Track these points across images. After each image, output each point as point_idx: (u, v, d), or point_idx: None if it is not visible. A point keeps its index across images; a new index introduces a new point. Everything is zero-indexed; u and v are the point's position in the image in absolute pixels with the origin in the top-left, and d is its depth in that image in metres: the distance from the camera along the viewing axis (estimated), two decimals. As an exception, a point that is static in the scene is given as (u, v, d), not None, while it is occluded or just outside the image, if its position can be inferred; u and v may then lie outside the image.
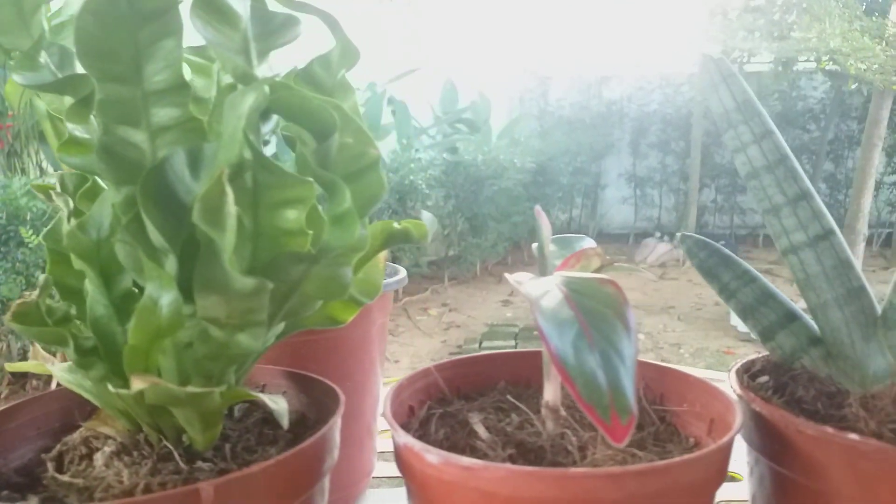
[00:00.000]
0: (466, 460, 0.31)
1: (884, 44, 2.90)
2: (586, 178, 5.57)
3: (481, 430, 0.39)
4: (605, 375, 0.29)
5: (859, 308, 0.39)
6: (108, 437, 0.37)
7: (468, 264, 4.17)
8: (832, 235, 0.40)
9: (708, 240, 0.45)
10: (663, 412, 0.42)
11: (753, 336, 0.45)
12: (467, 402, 0.44)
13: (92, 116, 0.34)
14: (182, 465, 0.34)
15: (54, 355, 0.59)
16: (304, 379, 0.44)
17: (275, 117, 0.36)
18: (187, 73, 0.39)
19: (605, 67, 5.54)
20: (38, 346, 0.52)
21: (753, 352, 0.46)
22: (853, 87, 3.33)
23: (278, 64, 0.41)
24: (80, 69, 0.32)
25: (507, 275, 0.34)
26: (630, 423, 0.28)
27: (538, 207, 0.40)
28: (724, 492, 0.61)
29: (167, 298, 0.32)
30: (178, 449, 0.35)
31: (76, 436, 0.38)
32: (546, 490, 0.30)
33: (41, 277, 0.36)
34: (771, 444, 0.37)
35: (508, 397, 0.43)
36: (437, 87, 4.19)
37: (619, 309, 0.32)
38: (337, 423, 0.38)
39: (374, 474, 0.63)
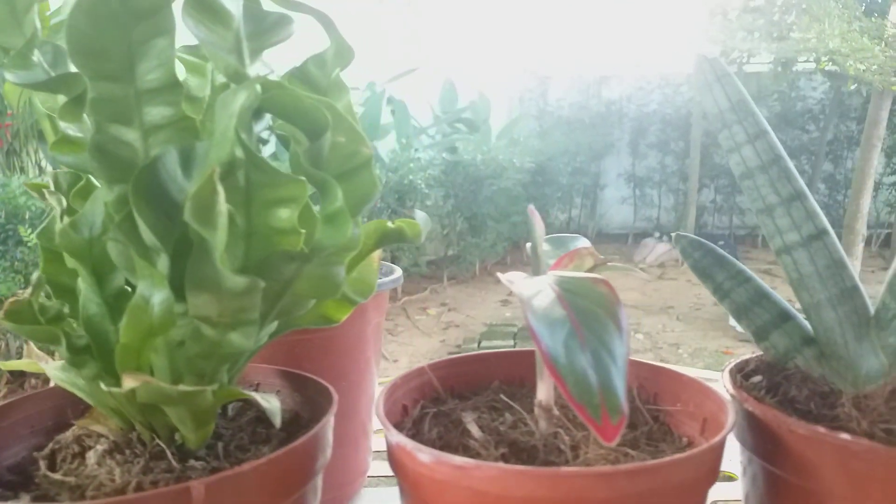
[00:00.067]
0: (458, 459, 0.31)
1: (883, 44, 2.90)
2: (585, 178, 5.57)
3: (474, 430, 0.39)
4: (595, 375, 0.29)
5: (852, 308, 0.39)
6: (100, 435, 0.37)
7: (467, 264, 4.17)
8: (825, 235, 0.40)
9: (702, 240, 0.45)
10: (657, 412, 0.42)
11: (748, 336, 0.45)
12: (461, 401, 0.44)
13: (85, 115, 0.34)
14: (174, 463, 0.34)
15: (52, 355, 0.59)
16: (297, 378, 0.44)
17: (268, 116, 0.36)
18: (181, 72, 0.39)
19: (605, 67, 5.55)
20: (32, 344, 0.52)
21: (752, 352, 0.46)
22: (852, 87, 3.33)
23: (277, 63, 0.41)
24: (73, 68, 0.32)
25: (499, 274, 0.34)
26: (621, 422, 0.28)
27: (531, 207, 0.40)
28: (720, 491, 0.61)
29: (159, 297, 0.32)
30: (170, 447, 0.35)
31: (69, 434, 0.38)
32: (537, 489, 0.30)
33: (34, 276, 0.36)
34: (763, 443, 0.37)
35: (502, 396, 0.43)
36: (436, 87, 4.19)
37: (611, 308, 0.32)
38: (330, 421, 0.38)
39: (369, 473, 0.63)
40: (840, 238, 3.25)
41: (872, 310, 0.39)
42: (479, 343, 3.02)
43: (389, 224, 0.41)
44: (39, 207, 1.82)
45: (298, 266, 0.33)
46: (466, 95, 4.23)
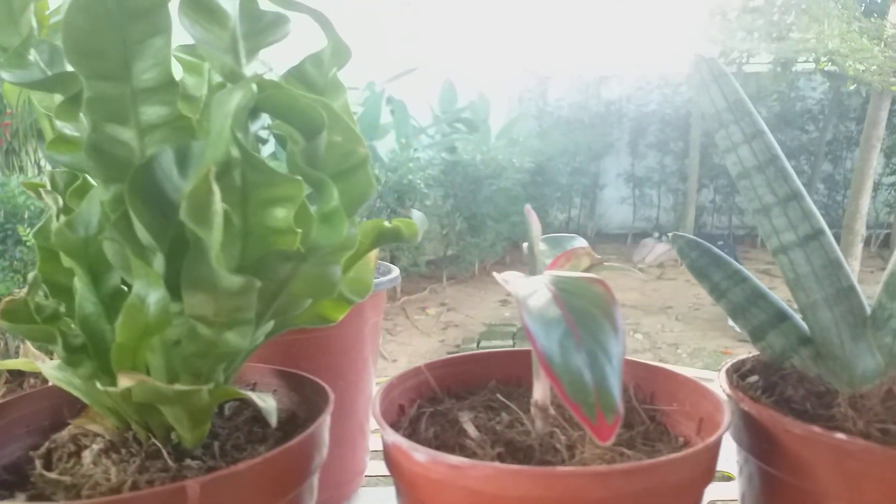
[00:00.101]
0: (453, 459, 0.31)
1: (882, 45, 2.91)
2: (585, 178, 5.58)
3: (471, 429, 0.39)
4: (591, 374, 0.29)
5: (848, 308, 0.39)
6: (96, 434, 0.37)
7: (467, 264, 4.17)
8: (822, 235, 0.40)
9: (699, 240, 0.45)
10: (653, 411, 0.42)
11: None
12: (458, 400, 0.44)
13: (81, 114, 0.34)
14: (170, 462, 0.34)
15: (49, 354, 0.59)
16: (294, 377, 0.44)
17: (267, 116, 0.36)
18: (179, 71, 0.39)
19: (604, 67, 5.55)
20: (29, 343, 0.52)
21: (749, 352, 0.46)
22: (852, 88, 3.33)
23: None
24: (69, 67, 0.32)
25: (495, 274, 0.34)
26: (616, 422, 0.28)
27: (528, 206, 0.40)
28: (718, 491, 0.61)
29: (154, 296, 0.32)
30: (166, 447, 0.35)
31: (65, 433, 0.38)
32: (532, 489, 0.30)
33: (30, 275, 0.36)
34: (759, 443, 0.37)
35: (498, 396, 0.43)
36: (435, 87, 4.19)
37: (607, 308, 0.32)
38: (326, 421, 0.38)
39: (366, 473, 0.63)
40: (839, 238, 3.26)
41: (869, 310, 0.39)
42: (479, 343, 3.02)
43: (386, 224, 0.41)
44: (38, 207, 1.82)
45: (294, 266, 0.33)
46: (466, 95, 4.23)
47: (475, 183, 3.87)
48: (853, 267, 3.22)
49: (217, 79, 0.41)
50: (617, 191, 5.82)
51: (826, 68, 3.37)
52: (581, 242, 0.44)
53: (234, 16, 0.32)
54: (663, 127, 5.55)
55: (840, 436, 0.33)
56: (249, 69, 0.33)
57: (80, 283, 0.36)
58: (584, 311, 0.32)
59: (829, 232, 0.40)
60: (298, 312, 0.38)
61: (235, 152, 0.31)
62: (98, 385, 0.33)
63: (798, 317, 0.42)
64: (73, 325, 0.37)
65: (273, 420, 0.35)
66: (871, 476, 0.32)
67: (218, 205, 0.28)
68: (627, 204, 5.85)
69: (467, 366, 0.47)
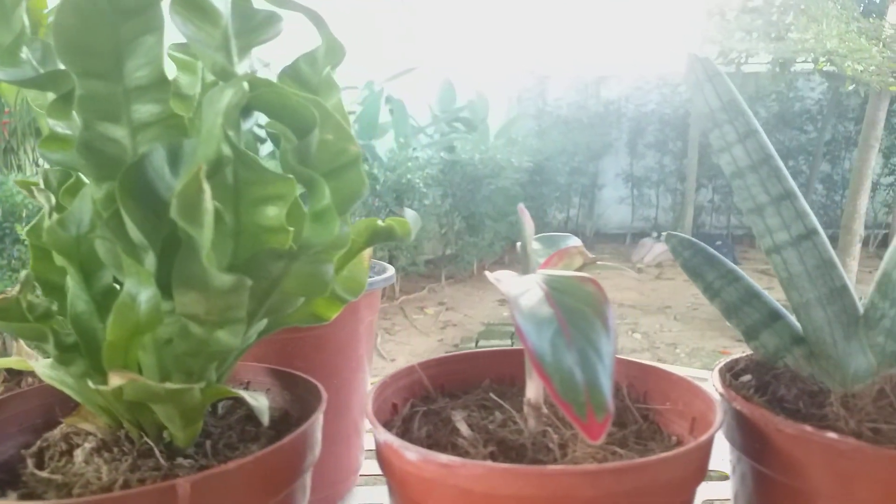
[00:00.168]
0: (444, 457, 0.31)
1: (881, 45, 2.91)
2: (583, 178, 5.58)
3: (463, 428, 0.39)
4: (582, 373, 0.29)
5: (841, 307, 0.39)
6: (88, 433, 0.37)
7: (465, 263, 4.17)
8: (815, 235, 0.40)
9: (692, 238, 0.45)
10: (646, 410, 0.42)
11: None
12: (451, 399, 0.44)
13: (74, 112, 0.34)
14: (162, 461, 0.34)
15: (45, 353, 0.59)
16: (288, 376, 0.44)
17: (256, 114, 0.36)
18: (173, 70, 0.39)
19: (603, 67, 5.55)
20: (22, 342, 0.52)
21: (742, 351, 0.46)
22: (850, 88, 3.33)
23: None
24: (62, 65, 0.32)
25: (487, 273, 0.34)
26: (606, 420, 0.28)
27: (521, 206, 0.40)
28: (714, 490, 0.61)
29: (145, 295, 0.32)
30: (158, 445, 0.35)
31: (57, 432, 0.38)
32: (523, 487, 0.30)
33: (22, 273, 0.36)
34: (752, 442, 0.37)
35: (491, 395, 0.43)
36: (434, 86, 4.19)
37: (598, 307, 0.32)
38: (318, 420, 0.38)
39: (361, 472, 0.63)
40: (837, 238, 3.26)
41: (861, 310, 0.39)
42: (477, 342, 3.02)
43: (380, 222, 0.41)
44: (36, 206, 1.82)
45: (286, 264, 0.33)
46: (465, 95, 4.23)
47: (474, 182, 3.87)
48: (851, 267, 3.22)
49: (211, 77, 0.41)
50: (615, 190, 5.82)
51: (825, 68, 3.36)
52: (574, 241, 0.44)
53: (225, 14, 0.32)
54: (662, 127, 5.55)
55: (831, 435, 0.33)
56: (242, 67, 0.33)
57: (72, 282, 0.36)
58: (576, 310, 0.32)
59: (822, 231, 0.40)
60: (291, 311, 0.38)
61: (227, 150, 0.31)
62: (90, 383, 0.33)
63: (791, 316, 0.42)
64: (65, 324, 0.37)
65: (265, 419, 0.35)
66: (863, 475, 0.32)
67: (209, 203, 0.28)
68: (626, 204, 5.85)
69: (461, 365, 0.47)
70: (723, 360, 0.44)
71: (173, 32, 0.33)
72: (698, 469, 0.34)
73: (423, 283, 4.04)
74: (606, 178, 5.81)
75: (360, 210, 3.25)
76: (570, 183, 5.42)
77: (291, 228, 0.34)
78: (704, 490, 0.60)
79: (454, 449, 0.37)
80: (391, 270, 0.61)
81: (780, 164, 0.41)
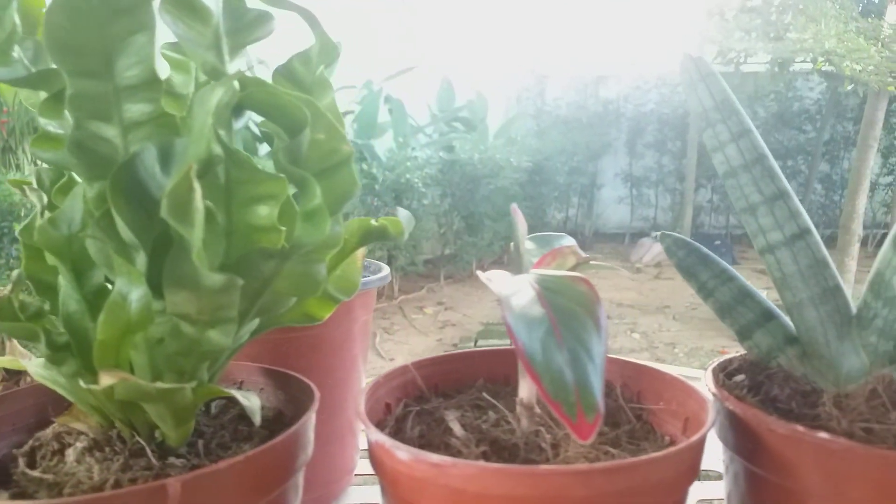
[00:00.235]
0: (436, 457, 0.31)
1: (879, 45, 2.91)
2: (583, 178, 5.58)
3: (456, 428, 0.39)
4: (572, 373, 0.29)
5: (834, 307, 0.39)
6: (80, 432, 0.37)
7: (464, 263, 4.17)
8: (808, 235, 0.40)
9: (687, 238, 0.45)
10: (640, 410, 0.42)
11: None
12: (445, 399, 0.44)
13: (66, 111, 0.34)
14: (154, 461, 0.34)
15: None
16: (281, 376, 0.44)
17: (248, 113, 0.36)
18: (166, 69, 0.39)
19: (603, 67, 5.55)
20: (15, 341, 0.52)
21: (736, 351, 0.46)
22: (849, 88, 3.33)
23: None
24: (53, 64, 0.32)
25: (479, 273, 0.34)
26: (596, 420, 0.28)
27: (514, 206, 0.40)
28: (708, 490, 0.61)
29: (136, 294, 0.32)
30: (150, 445, 0.35)
31: (49, 431, 0.37)
32: (515, 487, 0.30)
33: (14, 273, 0.36)
34: (744, 442, 0.37)
35: (484, 395, 0.43)
36: (433, 86, 4.19)
37: (590, 307, 0.32)
38: (310, 419, 0.37)
39: (357, 471, 0.63)
40: (836, 238, 3.26)
41: (854, 309, 0.39)
42: (476, 342, 3.02)
43: (373, 222, 0.41)
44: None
45: (278, 264, 0.33)
46: (464, 94, 4.22)
47: (473, 182, 3.87)
48: (850, 267, 3.22)
49: (204, 76, 0.41)
50: (614, 190, 5.82)
51: (823, 68, 3.36)
52: (568, 241, 0.44)
53: (216, 12, 0.32)
54: (661, 127, 5.55)
55: (823, 435, 0.33)
56: (233, 66, 0.33)
57: (63, 281, 0.36)
58: (568, 310, 0.32)
59: (815, 231, 0.40)
60: (284, 311, 0.38)
61: (218, 150, 0.30)
62: (81, 383, 0.33)
63: (785, 316, 0.42)
64: (57, 323, 0.37)
65: (257, 419, 0.35)
66: (854, 475, 0.32)
67: (199, 202, 0.28)
68: (625, 203, 5.85)
69: (455, 364, 0.47)
70: (716, 360, 0.44)
71: (168, 31, 0.33)
72: (690, 469, 0.34)
73: (421, 283, 4.04)
74: (605, 177, 5.81)
75: (359, 210, 3.25)
76: (569, 183, 5.42)
77: (283, 228, 0.34)
78: (699, 490, 0.60)
79: (447, 449, 0.37)
80: (386, 270, 0.61)
81: (774, 163, 0.40)
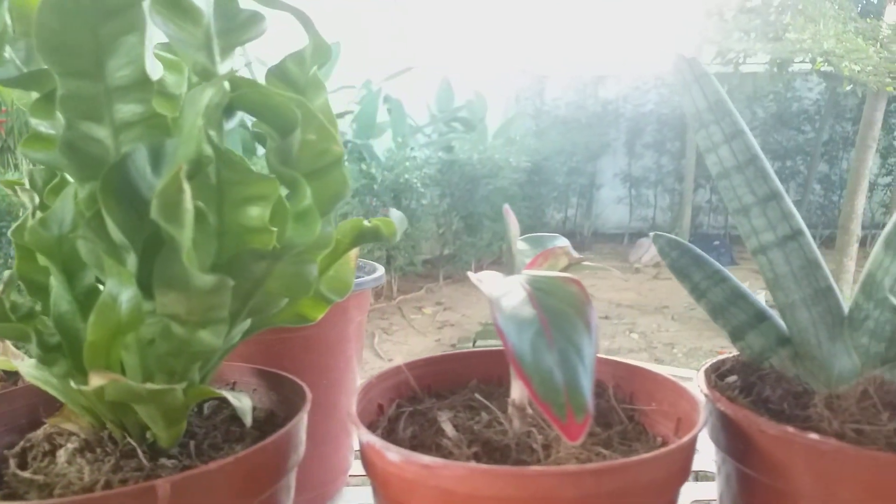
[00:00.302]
0: (426, 458, 0.31)
1: (878, 45, 2.91)
2: (582, 178, 5.58)
3: (448, 429, 0.39)
4: (562, 374, 0.29)
5: (826, 308, 0.39)
6: (71, 433, 0.37)
7: (463, 263, 4.17)
8: (801, 236, 0.40)
9: (680, 239, 0.45)
10: (632, 411, 0.42)
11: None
12: (438, 400, 0.44)
13: (58, 112, 0.34)
14: (145, 462, 0.34)
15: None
16: (274, 377, 0.44)
17: (240, 114, 0.36)
18: (160, 69, 0.39)
19: (602, 67, 5.55)
20: (8, 342, 0.52)
21: (729, 351, 0.46)
22: (848, 88, 3.33)
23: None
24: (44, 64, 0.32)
25: (470, 273, 0.34)
26: (586, 421, 0.28)
27: (506, 207, 0.40)
28: (702, 491, 0.61)
29: (126, 295, 0.32)
30: (141, 446, 0.35)
31: (40, 432, 0.37)
32: (504, 488, 0.30)
33: (6, 273, 0.36)
34: (735, 443, 0.37)
35: (477, 396, 0.43)
36: (432, 86, 4.19)
37: (581, 308, 0.32)
38: (302, 420, 0.37)
39: (351, 472, 0.63)
40: (835, 238, 3.26)
41: (846, 310, 0.39)
42: (475, 342, 3.02)
43: (366, 223, 0.41)
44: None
45: (269, 264, 0.33)
46: (463, 94, 4.23)
47: (472, 182, 3.87)
48: (848, 267, 3.22)
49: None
50: (613, 190, 5.83)
51: (822, 69, 3.37)
52: (561, 242, 0.44)
53: (207, 13, 0.32)
54: (660, 127, 5.55)
55: (813, 436, 0.33)
56: (224, 67, 0.33)
57: (55, 282, 0.36)
58: (559, 311, 0.32)
59: (807, 232, 0.40)
60: (276, 311, 0.38)
61: (208, 150, 0.30)
62: (72, 384, 0.33)
63: (778, 317, 0.42)
64: (49, 324, 0.37)
65: (248, 420, 0.35)
66: (845, 476, 0.32)
67: (189, 203, 0.28)
68: (624, 204, 5.85)
69: (448, 365, 0.47)
70: (709, 361, 0.44)
71: (161, 32, 0.33)
72: (681, 470, 0.34)
73: (420, 283, 4.04)
74: (604, 178, 5.81)
75: (358, 210, 3.25)
76: (568, 183, 5.43)
77: (275, 229, 0.34)
78: (693, 491, 0.60)
79: (439, 450, 0.37)
80: (381, 270, 0.61)
81: (766, 164, 0.41)
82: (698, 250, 0.45)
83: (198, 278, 0.30)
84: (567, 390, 0.29)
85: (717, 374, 0.43)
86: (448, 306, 3.68)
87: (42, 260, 0.36)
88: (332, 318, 0.48)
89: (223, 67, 0.33)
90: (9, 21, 0.35)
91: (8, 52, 0.35)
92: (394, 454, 0.32)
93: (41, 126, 0.36)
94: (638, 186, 5.78)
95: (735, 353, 0.45)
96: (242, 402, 0.35)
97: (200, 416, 0.41)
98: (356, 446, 0.63)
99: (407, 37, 4.24)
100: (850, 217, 3.22)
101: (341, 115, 3.05)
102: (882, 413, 0.35)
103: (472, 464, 0.34)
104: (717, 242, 4.87)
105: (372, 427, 0.40)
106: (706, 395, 0.39)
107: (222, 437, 0.39)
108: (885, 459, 0.31)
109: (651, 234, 0.47)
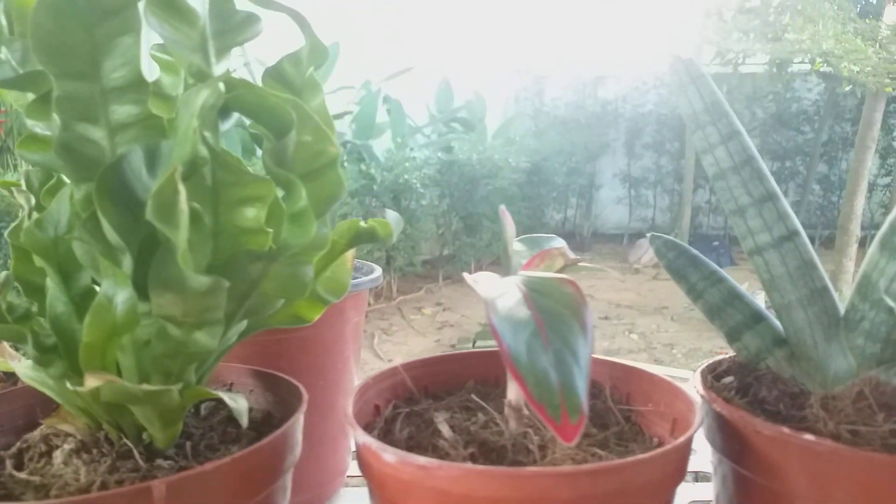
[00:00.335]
0: (422, 459, 0.31)
1: (877, 46, 2.91)
2: (581, 179, 5.58)
3: (445, 430, 0.39)
4: (557, 375, 0.29)
5: (822, 309, 0.39)
6: (68, 434, 0.37)
7: (463, 264, 4.17)
8: (797, 237, 0.40)
9: (677, 240, 0.45)
10: (629, 412, 0.42)
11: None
12: (435, 401, 0.44)
13: (53, 113, 0.34)
14: (141, 462, 0.34)
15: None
16: (270, 378, 0.44)
17: (235, 115, 0.36)
18: (156, 70, 0.39)
19: (601, 67, 5.55)
20: (4, 343, 0.52)
21: (725, 352, 0.46)
22: (847, 89, 3.33)
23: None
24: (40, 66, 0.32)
25: (465, 275, 0.34)
26: (580, 422, 0.28)
27: (503, 208, 0.40)
28: (699, 491, 0.61)
29: (122, 296, 0.32)
30: (137, 447, 0.35)
31: (36, 433, 0.37)
32: (500, 489, 0.30)
33: (2, 274, 0.36)
34: (731, 444, 0.37)
35: (473, 396, 0.43)
36: (432, 86, 4.19)
37: (576, 309, 0.32)
38: (298, 421, 0.37)
39: (349, 473, 0.63)
40: (834, 239, 3.26)
41: (842, 311, 0.39)
42: (474, 343, 3.02)
43: (362, 224, 0.41)
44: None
45: (264, 265, 0.33)
46: (462, 95, 4.23)
47: (471, 182, 3.87)
48: (848, 267, 3.22)
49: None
50: (613, 191, 5.83)
51: (821, 69, 3.37)
52: (558, 243, 0.44)
53: (203, 14, 0.32)
54: (659, 127, 5.55)
55: (808, 437, 0.33)
56: (220, 68, 0.33)
57: (51, 283, 0.36)
58: (554, 312, 0.32)
59: (803, 233, 0.40)
60: (271, 312, 0.38)
61: (203, 151, 0.30)
62: (68, 385, 0.33)
63: (774, 318, 0.42)
64: (45, 325, 0.37)
65: (244, 421, 0.35)
66: (840, 477, 0.32)
67: (184, 204, 0.28)
68: (623, 204, 5.85)
69: (445, 366, 0.47)
70: (705, 362, 0.44)
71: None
72: (676, 470, 0.34)
73: (420, 284, 4.04)
74: (604, 178, 5.81)
75: (358, 210, 3.25)
76: (568, 183, 5.43)
77: (270, 230, 0.34)
78: (691, 491, 0.60)
79: (435, 451, 0.37)
80: (378, 271, 0.61)
81: (763, 165, 0.41)
82: (695, 251, 0.45)
83: (193, 279, 0.30)
84: (562, 391, 0.29)
85: (713, 375, 0.43)
86: (448, 307, 3.68)
87: (38, 261, 0.36)
88: (329, 319, 0.48)
89: (219, 69, 0.33)
90: (4, 22, 0.35)
91: (4, 54, 0.35)
92: (390, 455, 0.32)
93: (37, 127, 0.36)
94: (637, 187, 5.77)
95: (731, 353, 0.45)
96: (239, 403, 0.35)
97: (197, 417, 0.41)
98: (353, 447, 0.63)
99: (402, 37, 4.24)
100: (850, 217, 3.22)
101: (340, 116, 3.05)
102: (877, 414, 0.35)
103: (469, 465, 0.34)
104: (716, 243, 4.87)
105: (368, 428, 0.40)
106: (702, 396, 0.39)
107: (219, 437, 0.39)
108: (880, 460, 0.31)
109: (648, 234, 0.47)
